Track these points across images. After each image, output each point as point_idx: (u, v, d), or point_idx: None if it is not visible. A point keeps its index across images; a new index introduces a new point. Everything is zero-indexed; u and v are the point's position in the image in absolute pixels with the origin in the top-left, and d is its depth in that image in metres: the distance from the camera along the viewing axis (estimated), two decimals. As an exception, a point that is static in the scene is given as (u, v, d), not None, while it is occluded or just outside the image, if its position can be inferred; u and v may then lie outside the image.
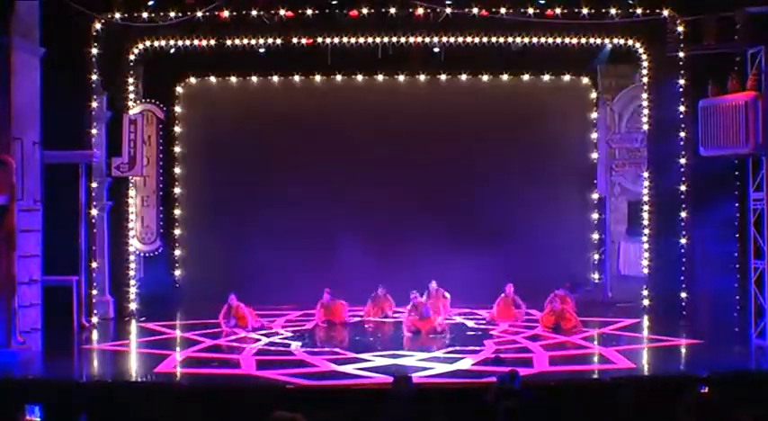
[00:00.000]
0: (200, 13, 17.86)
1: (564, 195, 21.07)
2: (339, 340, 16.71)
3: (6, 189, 14.46)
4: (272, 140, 20.92)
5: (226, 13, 18.07)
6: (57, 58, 16.15)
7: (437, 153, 20.81)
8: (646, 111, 19.58)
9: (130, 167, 19.15)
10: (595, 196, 21.39)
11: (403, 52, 19.50)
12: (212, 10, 17.78)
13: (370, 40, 18.82)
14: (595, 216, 21.40)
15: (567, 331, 16.90)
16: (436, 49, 19.13)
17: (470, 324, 18.10)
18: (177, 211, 21.24)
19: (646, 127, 19.71)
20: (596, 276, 21.32)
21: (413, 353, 15.01)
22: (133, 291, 19.42)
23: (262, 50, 19.05)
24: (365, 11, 18.03)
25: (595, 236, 21.37)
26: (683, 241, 18.02)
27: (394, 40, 18.88)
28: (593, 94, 21.42)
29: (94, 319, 18.02)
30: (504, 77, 21.30)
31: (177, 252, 21.22)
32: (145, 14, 18.06)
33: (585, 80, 21.45)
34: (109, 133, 19.00)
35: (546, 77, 21.38)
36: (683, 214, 18.05)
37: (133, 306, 19.30)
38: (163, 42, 19.20)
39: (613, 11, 17.93)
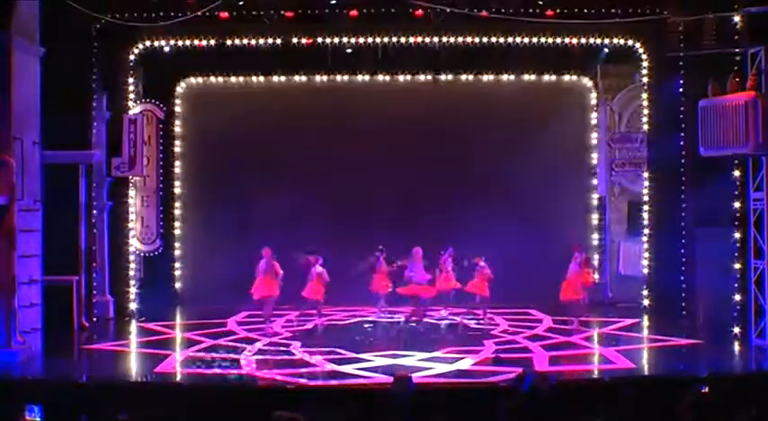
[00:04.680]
0: (200, 13, 17.85)
1: (564, 195, 21.06)
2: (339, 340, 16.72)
3: (6, 189, 14.43)
4: (272, 140, 20.88)
5: (226, 13, 18.07)
6: (57, 58, 16.14)
7: (436, 153, 20.78)
8: (646, 111, 19.57)
9: (130, 167, 19.13)
10: (595, 196, 21.39)
11: (403, 52, 19.49)
12: (213, 9, 17.77)
13: (370, 39, 18.82)
14: (595, 216, 21.41)
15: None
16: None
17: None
18: (177, 211, 21.24)
19: (646, 127, 19.71)
20: (596, 276, 21.29)
21: (413, 353, 15.02)
22: (133, 291, 19.42)
23: (264, 49, 19.06)
24: (365, 11, 18.03)
25: (595, 236, 21.38)
26: (683, 241, 18.01)
27: (394, 39, 18.89)
28: (594, 94, 21.42)
29: (94, 319, 18.02)
30: (505, 77, 21.30)
31: (177, 252, 21.23)
32: (145, 14, 18.06)
33: (586, 80, 21.45)
34: (109, 133, 19.00)
35: (546, 77, 21.38)
36: (683, 214, 18.04)
37: (133, 306, 19.30)
38: (163, 42, 19.21)
39: (613, 11, 17.93)
